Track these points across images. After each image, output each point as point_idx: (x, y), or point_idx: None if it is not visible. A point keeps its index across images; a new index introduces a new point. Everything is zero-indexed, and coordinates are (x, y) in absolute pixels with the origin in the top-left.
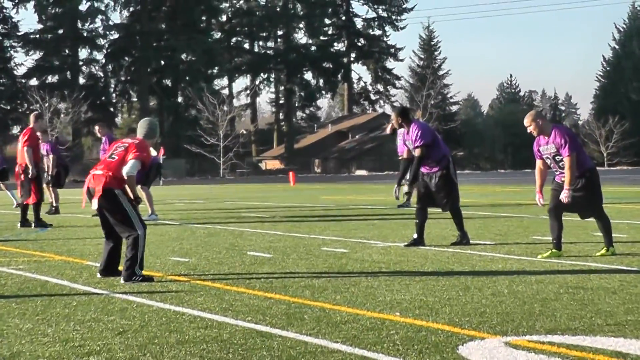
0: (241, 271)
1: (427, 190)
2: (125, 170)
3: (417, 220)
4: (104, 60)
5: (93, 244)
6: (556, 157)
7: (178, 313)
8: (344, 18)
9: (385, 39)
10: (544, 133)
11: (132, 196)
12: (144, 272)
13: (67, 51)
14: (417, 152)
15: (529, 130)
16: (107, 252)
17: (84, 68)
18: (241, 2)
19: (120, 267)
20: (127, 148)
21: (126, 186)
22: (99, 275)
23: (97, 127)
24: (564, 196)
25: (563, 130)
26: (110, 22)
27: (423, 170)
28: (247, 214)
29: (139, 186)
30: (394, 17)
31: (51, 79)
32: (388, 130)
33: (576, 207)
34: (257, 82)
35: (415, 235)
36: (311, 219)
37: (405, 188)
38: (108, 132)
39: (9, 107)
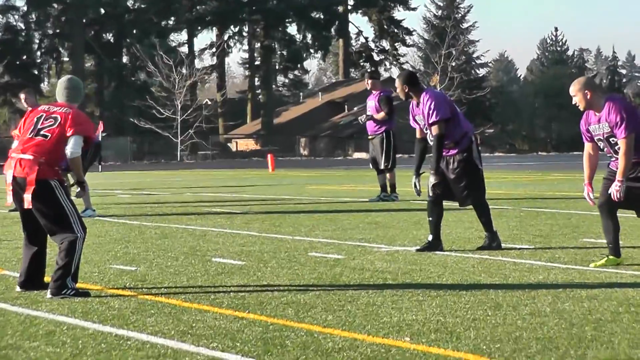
0: (204, 283)
1: (443, 179)
2: (69, 151)
3: (430, 218)
4: (25, 8)
5: (10, 248)
6: (610, 139)
7: (121, 338)
8: None
9: None
10: (594, 108)
11: (74, 181)
12: (77, 285)
13: None
14: (433, 130)
15: (574, 102)
16: (29, 259)
17: None
18: None
19: (47, 278)
20: (60, 123)
21: (65, 174)
22: (18, 288)
23: (22, 96)
24: (614, 190)
25: (619, 104)
26: None
27: None
28: (213, 208)
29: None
30: None
31: None
32: (363, 119)
33: (633, 202)
34: (225, 38)
35: (430, 237)
36: (295, 216)
37: (432, 179)
38: (36, 102)
39: None
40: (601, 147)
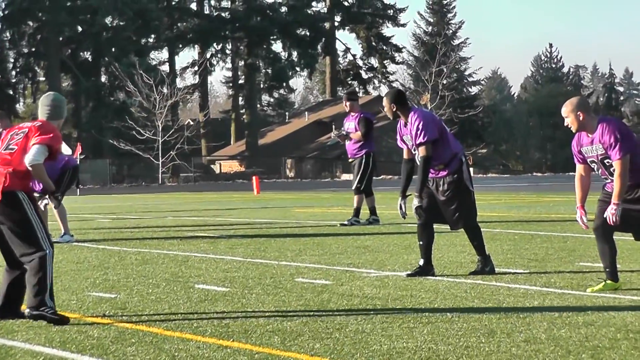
0: (186, 311)
1: (431, 201)
2: (28, 159)
3: (420, 242)
4: None
5: None
6: (605, 161)
7: None
8: None
9: None
10: (587, 130)
11: (39, 199)
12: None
13: None
14: (420, 152)
15: (566, 123)
16: (7, 284)
17: None
18: None
19: (24, 307)
20: (26, 134)
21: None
22: None
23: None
24: (610, 213)
25: (613, 125)
26: None
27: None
28: (195, 233)
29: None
30: None
31: None
32: (333, 135)
33: (631, 225)
34: (207, 56)
35: (421, 262)
36: (281, 240)
37: (415, 201)
38: (10, 124)
39: None
40: (594, 169)
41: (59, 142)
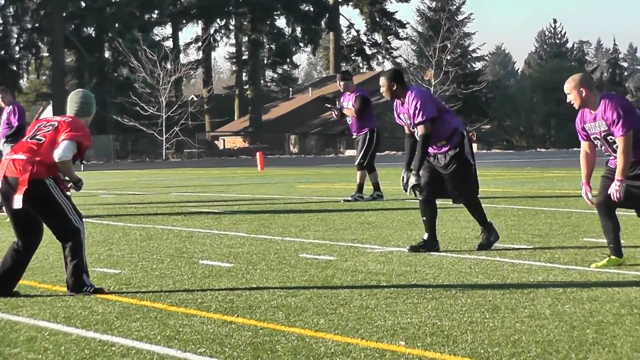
0: (191, 286)
1: (434, 176)
2: (57, 154)
3: (424, 217)
4: (2, 2)
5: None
6: (608, 138)
7: (105, 343)
8: None
9: None
10: (590, 106)
11: (67, 183)
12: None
13: None
14: (419, 130)
15: (568, 100)
16: (10, 264)
17: None
18: None
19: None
20: (56, 127)
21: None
22: None
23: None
24: (614, 190)
25: (616, 101)
26: None
27: (429, 150)
28: (199, 209)
29: None
30: None
31: None
32: (335, 115)
33: (633, 201)
34: (211, 31)
35: (425, 236)
36: (285, 216)
37: (412, 179)
38: (12, 100)
39: None
40: (599, 146)
41: (88, 140)
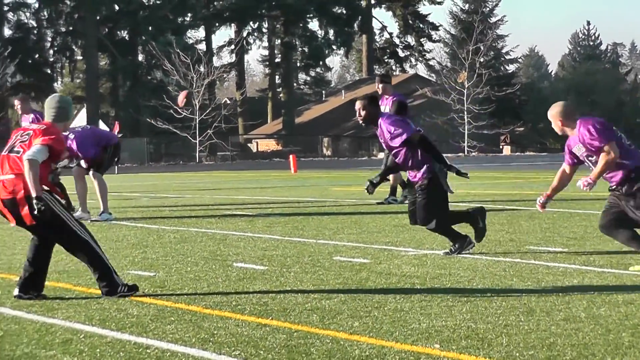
0: (225, 289)
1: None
2: (27, 155)
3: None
4: (37, 5)
5: (24, 254)
6: (589, 159)
7: (141, 346)
8: None
9: None
10: (570, 133)
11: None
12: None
13: None
14: (410, 143)
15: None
16: (34, 256)
17: (10, 15)
18: None
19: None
20: (31, 136)
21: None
22: (16, 293)
23: (17, 102)
24: (582, 182)
25: (590, 121)
26: None
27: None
28: (233, 211)
29: (88, 175)
30: None
31: None
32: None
33: (628, 221)
34: (244, 34)
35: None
36: (319, 219)
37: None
38: (32, 109)
39: None
40: (590, 168)
41: (61, 145)
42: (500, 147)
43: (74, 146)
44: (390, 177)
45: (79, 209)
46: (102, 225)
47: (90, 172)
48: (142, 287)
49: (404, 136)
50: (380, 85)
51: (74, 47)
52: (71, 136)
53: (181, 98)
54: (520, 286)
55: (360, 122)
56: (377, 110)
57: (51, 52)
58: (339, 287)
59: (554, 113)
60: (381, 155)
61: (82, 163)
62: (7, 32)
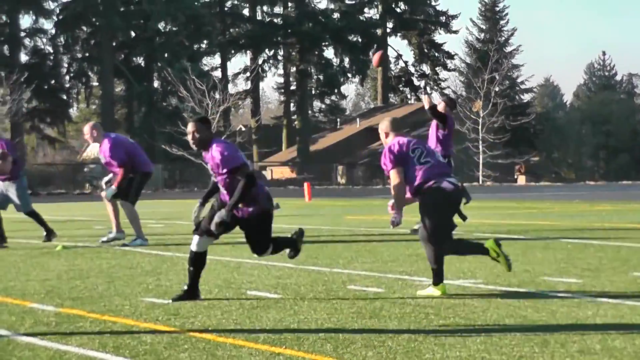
0: (239, 317)
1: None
2: None
3: (191, 268)
4: (53, 31)
5: (38, 280)
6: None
7: None
8: None
9: (433, 2)
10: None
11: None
12: (107, 317)
13: (3, 17)
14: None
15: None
16: None
17: (26, 41)
18: None
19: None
20: None
21: None
22: None
23: (88, 130)
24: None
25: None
26: None
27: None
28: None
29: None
30: None
31: None
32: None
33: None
34: (260, 62)
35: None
36: (333, 247)
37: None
38: (104, 132)
39: None
40: None
41: None
42: (515, 176)
43: (108, 146)
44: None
45: (113, 231)
46: (115, 252)
47: (119, 202)
48: (155, 315)
49: (235, 163)
50: (442, 104)
51: (90, 73)
52: (110, 138)
53: (376, 58)
54: (535, 317)
55: (193, 144)
56: (210, 133)
57: (67, 77)
58: (352, 316)
59: (381, 128)
60: None
61: (112, 181)
62: (24, 57)
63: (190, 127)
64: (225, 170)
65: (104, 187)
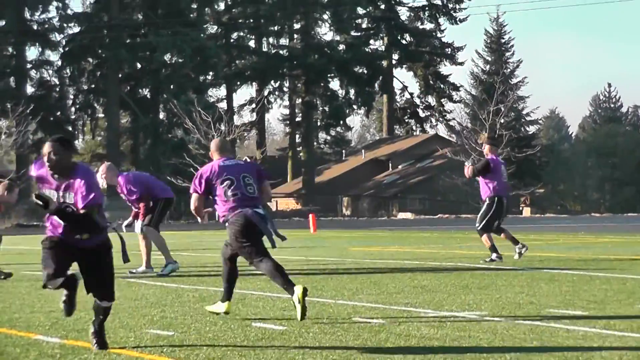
0: (244, 349)
1: None
2: None
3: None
4: (59, 62)
5: (43, 311)
6: None
7: None
8: (383, 7)
9: (439, 34)
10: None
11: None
12: (113, 349)
13: (9, 49)
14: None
15: None
16: None
17: (32, 72)
18: None
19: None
20: None
21: None
22: None
23: (104, 169)
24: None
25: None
26: (69, 11)
27: None
28: (252, 270)
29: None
30: (450, 6)
31: None
32: (468, 173)
33: None
34: (265, 93)
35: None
36: (338, 278)
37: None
38: (118, 172)
39: None
40: None
41: None
42: (520, 208)
43: (122, 182)
44: (482, 239)
45: (165, 263)
46: (120, 284)
47: (142, 228)
48: (160, 347)
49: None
50: (487, 147)
51: (95, 104)
52: (123, 175)
53: None
54: (540, 350)
55: (49, 168)
56: (71, 157)
57: (73, 109)
58: (357, 348)
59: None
60: (401, 215)
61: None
62: (30, 89)
63: (47, 148)
64: (82, 205)
65: (124, 230)
